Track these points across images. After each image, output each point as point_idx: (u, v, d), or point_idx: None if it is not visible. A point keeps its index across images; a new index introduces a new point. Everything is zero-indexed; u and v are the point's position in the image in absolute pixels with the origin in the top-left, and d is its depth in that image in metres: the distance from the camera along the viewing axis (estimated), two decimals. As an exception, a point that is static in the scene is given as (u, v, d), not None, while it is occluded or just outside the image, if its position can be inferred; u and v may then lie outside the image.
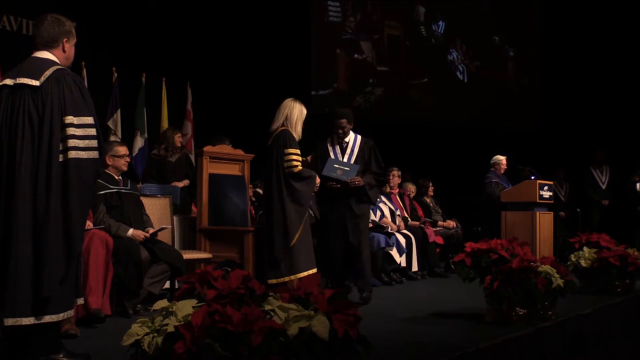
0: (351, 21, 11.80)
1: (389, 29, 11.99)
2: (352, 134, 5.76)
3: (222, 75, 10.11)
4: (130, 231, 4.87)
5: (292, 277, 5.00)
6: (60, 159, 3.15)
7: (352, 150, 5.69)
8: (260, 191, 8.05)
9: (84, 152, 3.17)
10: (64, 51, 3.37)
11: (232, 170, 6.12)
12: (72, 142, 3.15)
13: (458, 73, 12.30)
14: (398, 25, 12.03)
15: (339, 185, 5.57)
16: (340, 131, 5.67)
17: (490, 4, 12.27)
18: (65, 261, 3.17)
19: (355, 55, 11.81)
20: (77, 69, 4.32)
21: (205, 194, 5.81)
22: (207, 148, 5.99)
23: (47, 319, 3.14)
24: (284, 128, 5.16)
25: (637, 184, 9.39)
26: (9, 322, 3.06)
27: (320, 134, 5.79)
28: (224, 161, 6.07)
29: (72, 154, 3.14)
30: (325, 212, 5.82)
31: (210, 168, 5.89)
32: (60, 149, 3.15)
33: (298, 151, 5.15)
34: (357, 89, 11.85)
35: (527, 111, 12.32)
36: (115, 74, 8.49)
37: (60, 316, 3.20)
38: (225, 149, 6.26)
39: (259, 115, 9.58)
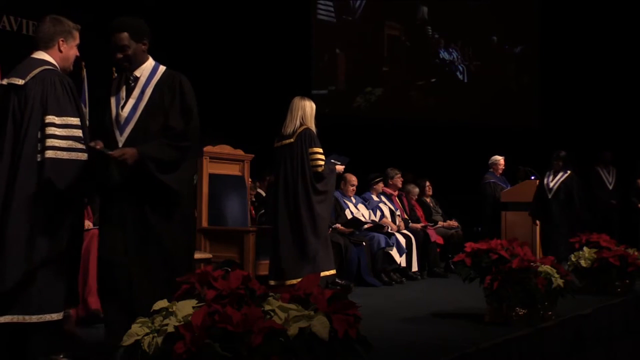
0: (351, 21, 11.80)
1: (389, 29, 11.99)
2: (149, 63, 3.44)
3: (222, 75, 10.10)
4: (130, 231, 4.84)
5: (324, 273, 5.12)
6: (38, 159, 3.07)
7: (142, 90, 3.36)
8: (262, 192, 8.07)
9: (64, 153, 3.08)
10: (60, 51, 3.33)
11: (232, 170, 6.12)
12: (51, 142, 3.06)
13: (458, 73, 12.29)
14: (398, 25, 12.03)
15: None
16: (120, 56, 3.34)
17: (490, 3, 12.26)
18: (29, 262, 3.05)
19: (356, 55, 11.80)
20: (77, 69, 4.30)
21: (205, 194, 5.82)
22: (207, 148, 5.99)
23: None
24: (305, 127, 5.21)
25: None
26: None
27: (320, 134, 5.65)
28: (224, 161, 6.08)
29: (50, 154, 3.05)
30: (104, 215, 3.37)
31: (210, 168, 5.90)
32: (39, 148, 3.07)
33: (321, 150, 5.30)
34: (357, 89, 11.85)
35: (527, 111, 12.31)
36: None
37: (34, 318, 3.07)
38: (226, 149, 6.26)
39: (259, 115, 9.64)
